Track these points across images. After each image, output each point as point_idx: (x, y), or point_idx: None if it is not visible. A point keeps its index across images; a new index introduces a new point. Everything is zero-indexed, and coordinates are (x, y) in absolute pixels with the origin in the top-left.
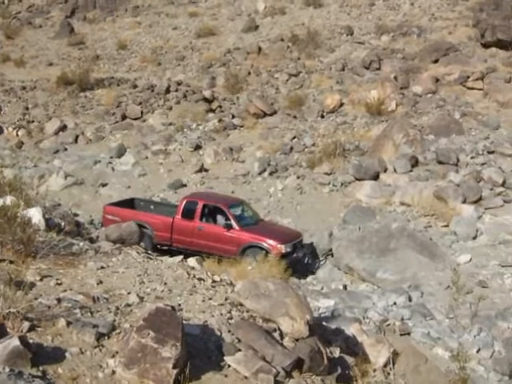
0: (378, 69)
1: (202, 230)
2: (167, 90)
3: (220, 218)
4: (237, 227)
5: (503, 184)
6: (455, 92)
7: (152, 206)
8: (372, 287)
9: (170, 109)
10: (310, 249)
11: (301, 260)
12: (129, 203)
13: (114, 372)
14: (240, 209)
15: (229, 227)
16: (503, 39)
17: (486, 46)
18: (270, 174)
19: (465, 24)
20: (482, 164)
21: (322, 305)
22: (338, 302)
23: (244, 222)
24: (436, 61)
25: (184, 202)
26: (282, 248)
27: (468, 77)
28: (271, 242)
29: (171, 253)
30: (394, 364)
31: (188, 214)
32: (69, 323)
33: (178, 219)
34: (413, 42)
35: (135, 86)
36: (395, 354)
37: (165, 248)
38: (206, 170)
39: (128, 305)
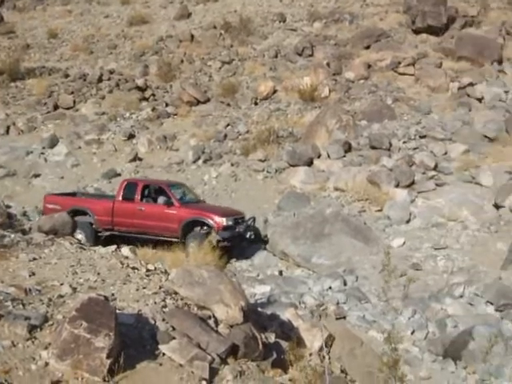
0: (311, 55)
1: (143, 211)
2: (100, 79)
3: (161, 199)
4: (177, 204)
5: (435, 168)
6: (387, 78)
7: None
8: (307, 272)
9: (103, 98)
10: (252, 226)
11: (243, 234)
12: (71, 195)
13: (47, 364)
14: (181, 191)
15: (169, 204)
16: (433, 25)
17: (416, 32)
18: (205, 161)
19: (396, 10)
20: (414, 148)
21: (258, 291)
22: (274, 288)
23: (184, 201)
24: (368, 47)
25: (124, 184)
26: (223, 221)
27: (399, 62)
28: (212, 215)
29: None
30: (329, 348)
31: (128, 195)
32: (0, 316)
33: (119, 202)
34: (345, 29)
35: (67, 76)
36: (331, 338)
37: (106, 234)
38: (140, 159)
39: (61, 296)
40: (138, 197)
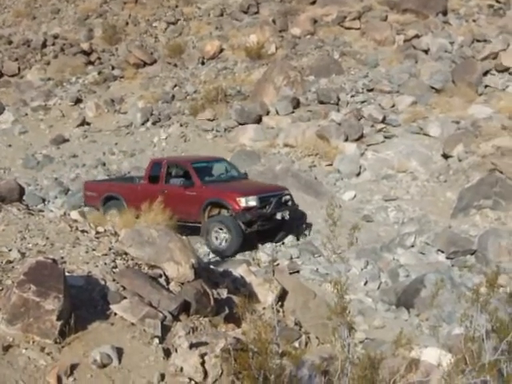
0: (257, 13)
1: (166, 194)
2: (44, 45)
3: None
4: (198, 184)
5: (383, 120)
6: (333, 32)
7: None
8: None
9: (48, 63)
10: (288, 204)
11: (272, 217)
12: (128, 180)
13: None
14: (219, 167)
15: (187, 185)
16: None
17: None
18: (153, 123)
19: None
20: (362, 102)
21: None
22: None
23: (211, 179)
24: (313, 2)
25: (151, 165)
26: (243, 201)
27: (345, 17)
28: (232, 194)
29: None
30: (283, 301)
31: (154, 177)
32: None
33: (145, 184)
34: None
35: (10, 42)
36: (284, 292)
37: None
38: (88, 124)
39: (9, 261)
40: (162, 178)
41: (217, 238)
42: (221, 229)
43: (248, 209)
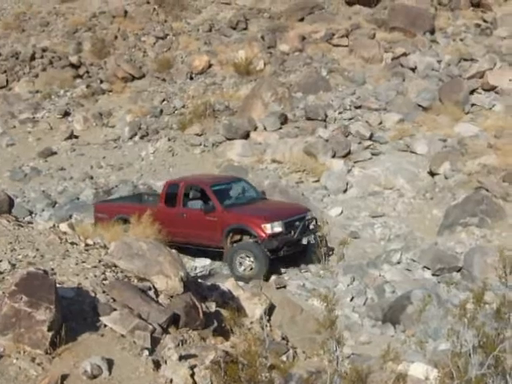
0: (245, 29)
1: (185, 218)
2: (32, 57)
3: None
4: (219, 208)
5: (370, 137)
6: (321, 49)
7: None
8: None
9: (37, 76)
10: (312, 227)
11: (298, 242)
12: (137, 198)
13: None
14: (238, 188)
15: (208, 210)
16: None
17: (349, 3)
18: (141, 137)
19: None
20: (350, 119)
21: (199, 264)
22: (215, 261)
23: (231, 202)
24: (302, 19)
25: (167, 186)
26: (267, 227)
27: (333, 34)
28: (255, 220)
29: None
30: (270, 316)
31: (171, 199)
32: None
33: (162, 207)
34: (278, 1)
35: None
36: (271, 307)
37: None
38: (76, 137)
39: (0, 273)
40: (179, 201)
41: (241, 265)
42: (246, 256)
43: (274, 235)
